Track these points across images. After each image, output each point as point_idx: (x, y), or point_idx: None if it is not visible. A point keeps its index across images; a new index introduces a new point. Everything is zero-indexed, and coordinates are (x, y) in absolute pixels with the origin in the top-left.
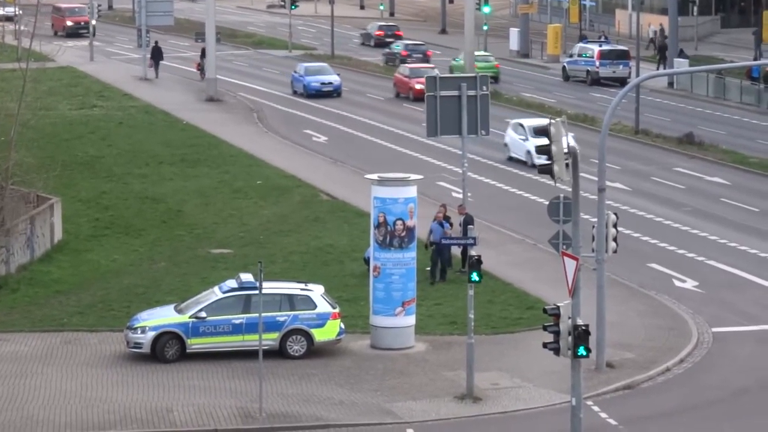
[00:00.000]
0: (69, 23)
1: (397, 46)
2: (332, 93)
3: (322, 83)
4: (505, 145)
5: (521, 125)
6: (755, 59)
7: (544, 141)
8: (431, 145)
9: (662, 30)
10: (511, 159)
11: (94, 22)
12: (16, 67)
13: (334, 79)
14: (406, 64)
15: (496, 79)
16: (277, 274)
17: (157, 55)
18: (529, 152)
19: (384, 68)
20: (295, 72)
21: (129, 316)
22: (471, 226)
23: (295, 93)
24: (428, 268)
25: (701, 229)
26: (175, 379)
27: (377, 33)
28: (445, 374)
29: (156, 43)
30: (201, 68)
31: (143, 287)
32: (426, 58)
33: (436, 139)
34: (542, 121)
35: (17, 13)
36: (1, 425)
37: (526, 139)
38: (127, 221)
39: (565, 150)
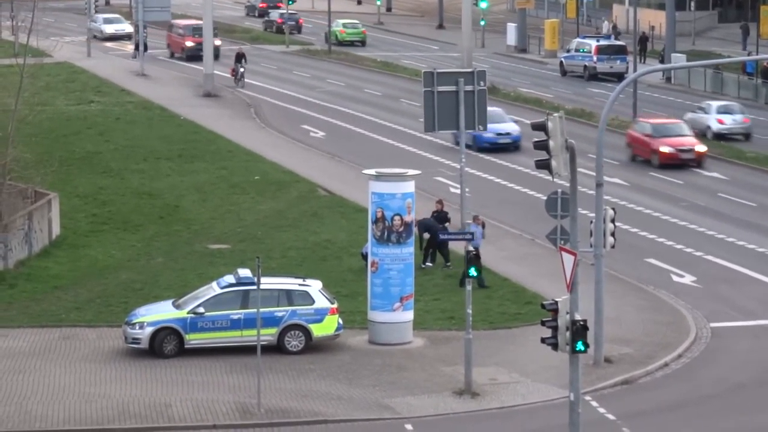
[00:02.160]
0: (189, 44)
1: (273, 15)
2: (509, 146)
3: (498, 134)
4: None
5: None
6: (749, 54)
7: None
8: (429, 140)
9: (615, 26)
10: None
11: (218, 42)
12: (13, 62)
13: (512, 128)
14: (646, 119)
15: (363, 43)
16: (274, 269)
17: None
18: None
19: (381, 64)
20: None
21: (127, 311)
22: (448, 224)
23: (458, 144)
24: (423, 265)
25: (699, 224)
26: (174, 374)
27: (261, 5)
28: (443, 369)
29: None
30: (236, 74)
31: (141, 283)
32: (298, 27)
33: (433, 135)
34: None
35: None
36: (0, 421)
37: None
38: (125, 217)
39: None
